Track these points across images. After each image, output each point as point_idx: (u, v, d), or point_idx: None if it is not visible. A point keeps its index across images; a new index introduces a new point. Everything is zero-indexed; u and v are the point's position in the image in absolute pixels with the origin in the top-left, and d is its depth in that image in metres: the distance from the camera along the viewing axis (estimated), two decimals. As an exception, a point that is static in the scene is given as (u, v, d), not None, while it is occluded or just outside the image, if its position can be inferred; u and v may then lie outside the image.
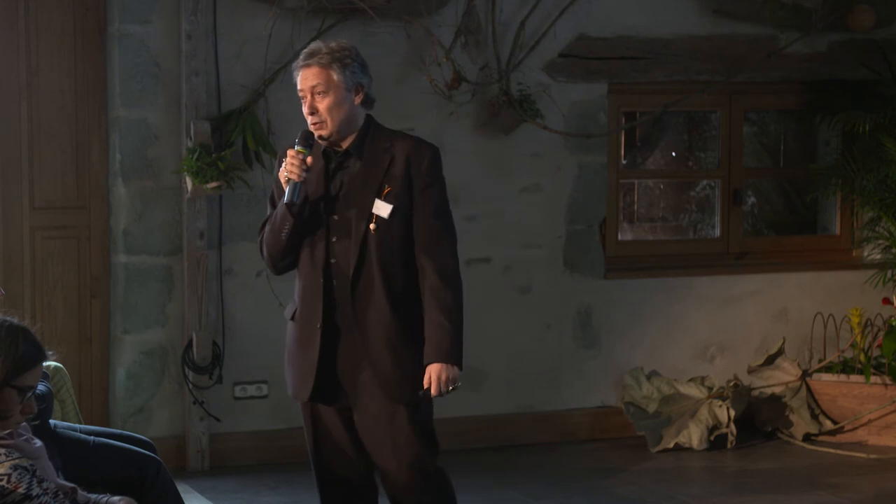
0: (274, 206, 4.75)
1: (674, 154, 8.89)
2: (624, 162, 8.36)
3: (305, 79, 4.60)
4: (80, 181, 7.17)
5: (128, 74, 7.05)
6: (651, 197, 8.94)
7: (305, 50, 4.67)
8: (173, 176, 7.10)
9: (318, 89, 4.57)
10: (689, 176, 8.89)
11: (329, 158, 4.67)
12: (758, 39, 8.03)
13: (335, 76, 4.56)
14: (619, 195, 8.16)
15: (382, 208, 4.57)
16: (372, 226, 4.57)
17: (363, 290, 4.60)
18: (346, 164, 4.65)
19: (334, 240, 4.63)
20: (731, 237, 8.32)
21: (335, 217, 4.62)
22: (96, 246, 7.22)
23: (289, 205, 4.59)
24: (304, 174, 4.57)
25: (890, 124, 7.91)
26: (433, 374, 4.56)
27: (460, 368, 4.61)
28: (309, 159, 4.59)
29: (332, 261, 4.64)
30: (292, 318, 4.79)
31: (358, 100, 4.60)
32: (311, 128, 4.62)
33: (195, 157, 6.89)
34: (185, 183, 7.02)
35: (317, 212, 4.64)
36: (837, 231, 8.55)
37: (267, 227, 4.74)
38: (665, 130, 8.79)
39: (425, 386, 4.57)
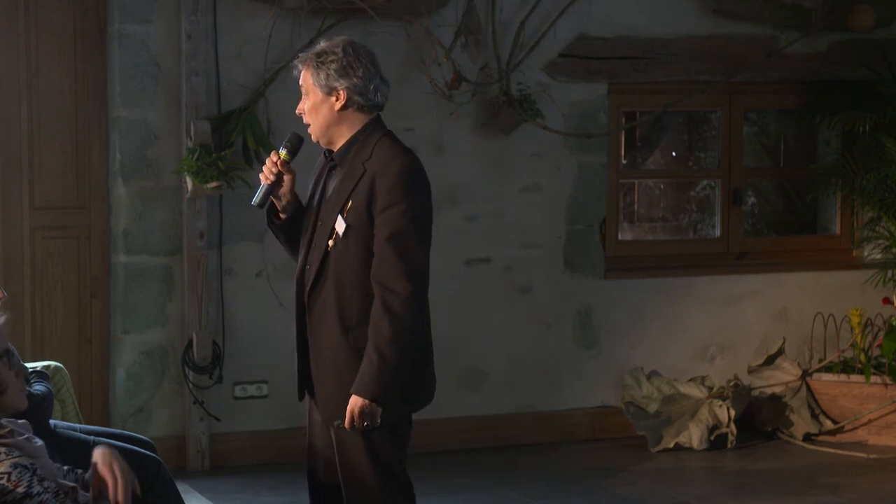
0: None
1: (674, 154, 8.89)
2: (624, 162, 8.36)
3: (299, 79, 4.54)
4: (80, 181, 7.17)
5: (128, 74, 7.05)
6: (651, 197, 8.95)
7: None
8: (173, 176, 7.10)
9: (303, 91, 4.50)
10: (689, 176, 8.89)
11: (327, 161, 4.57)
12: (758, 39, 8.03)
13: (310, 79, 4.44)
14: (619, 195, 8.16)
15: (340, 225, 4.39)
16: (330, 242, 4.42)
17: (318, 305, 4.47)
18: (335, 171, 4.51)
19: (312, 245, 4.51)
20: (731, 237, 8.32)
21: (319, 223, 4.50)
22: (96, 246, 7.22)
23: (253, 204, 4.55)
24: (271, 177, 4.48)
25: (890, 124, 7.91)
26: (349, 405, 4.33)
27: (381, 404, 4.30)
28: (280, 163, 4.48)
29: (307, 267, 4.53)
30: None
31: (338, 104, 4.40)
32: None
33: (195, 157, 6.89)
34: (185, 183, 7.02)
35: (309, 215, 4.55)
36: (837, 231, 8.55)
37: None
38: (665, 130, 8.79)
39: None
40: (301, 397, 4.71)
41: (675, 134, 8.84)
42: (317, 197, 4.54)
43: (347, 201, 4.38)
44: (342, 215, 4.38)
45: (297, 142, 4.56)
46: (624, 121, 8.16)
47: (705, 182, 8.74)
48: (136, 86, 7.06)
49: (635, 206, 8.90)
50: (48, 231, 7.14)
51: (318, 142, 4.52)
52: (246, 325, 7.27)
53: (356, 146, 4.44)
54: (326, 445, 4.62)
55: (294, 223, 4.59)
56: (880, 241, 8.14)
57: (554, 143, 7.68)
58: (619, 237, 8.13)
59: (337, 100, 4.41)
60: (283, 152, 4.53)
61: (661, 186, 8.92)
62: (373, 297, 4.35)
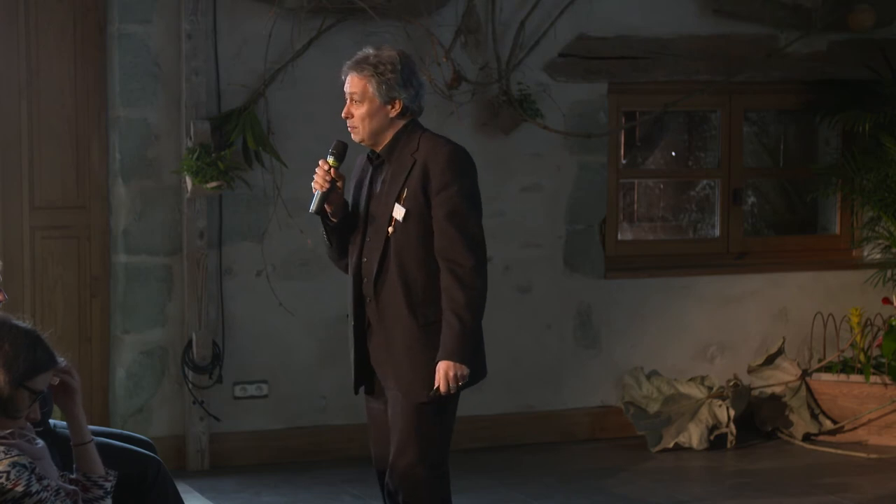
0: None
1: (674, 154, 8.89)
2: (624, 162, 8.36)
3: (347, 84, 4.79)
4: (80, 181, 7.17)
5: (128, 74, 7.05)
6: (651, 197, 8.94)
7: (358, 54, 4.80)
8: (173, 176, 7.10)
9: (355, 98, 4.75)
10: (689, 176, 8.89)
11: (372, 162, 4.87)
12: (758, 39, 8.03)
13: (371, 89, 4.73)
14: (619, 195, 8.16)
15: (398, 212, 4.71)
16: (390, 229, 4.72)
17: (384, 291, 4.76)
18: (381, 168, 4.82)
19: (368, 239, 4.81)
20: (731, 237, 8.32)
21: (371, 218, 4.80)
22: (96, 246, 7.22)
23: (312, 212, 4.82)
24: (326, 184, 4.76)
25: (890, 124, 7.91)
26: (440, 371, 4.68)
27: (468, 366, 4.68)
28: (333, 171, 4.76)
29: (364, 259, 4.82)
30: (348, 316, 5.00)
31: (394, 112, 4.77)
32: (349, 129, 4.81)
33: (195, 156, 6.90)
34: (185, 183, 7.02)
35: (359, 212, 4.84)
36: (837, 231, 8.55)
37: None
38: (665, 130, 8.78)
39: (435, 386, 4.69)
40: (357, 391, 4.97)
41: (675, 134, 8.84)
42: (364, 195, 4.85)
43: (403, 190, 4.72)
44: (399, 203, 4.71)
45: (343, 148, 4.86)
46: (624, 121, 8.16)
47: (705, 182, 8.74)
48: (136, 85, 7.06)
49: (635, 206, 8.89)
50: (48, 231, 7.14)
51: (362, 143, 4.82)
52: (246, 325, 7.27)
53: (402, 142, 4.79)
54: (377, 423, 4.92)
55: (345, 224, 4.87)
56: (880, 241, 8.14)
57: (554, 142, 7.68)
58: (619, 237, 8.13)
59: (393, 108, 4.77)
60: (331, 160, 4.81)
61: (661, 186, 8.92)
62: (434, 273, 4.70)
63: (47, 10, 7.05)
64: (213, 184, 6.90)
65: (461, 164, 4.77)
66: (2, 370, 3.80)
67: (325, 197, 4.79)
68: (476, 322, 4.70)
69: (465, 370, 4.68)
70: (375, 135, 4.78)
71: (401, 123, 4.81)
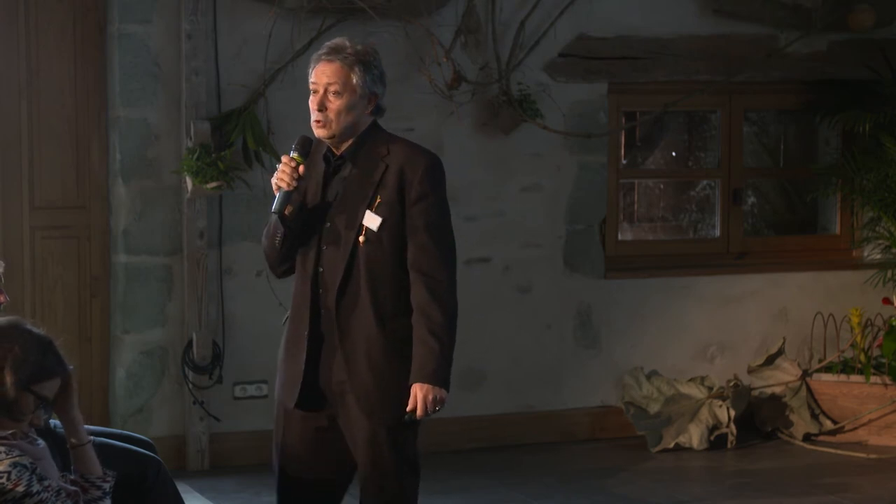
0: None
1: (674, 154, 8.89)
2: (624, 162, 8.36)
3: (323, 73, 4.45)
4: (80, 181, 7.17)
5: (128, 74, 7.05)
6: (651, 197, 8.95)
7: (329, 43, 4.51)
8: (173, 176, 7.10)
9: (333, 88, 4.44)
10: (689, 176, 8.89)
11: (329, 163, 4.57)
12: (758, 39, 8.03)
13: (355, 79, 4.43)
14: (619, 195, 8.16)
15: (372, 220, 4.45)
16: (361, 238, 4.46)
17: (349, 303, 4.48)
18: (342, 170, 4.54)
19: (324, 248, 4.52)
20: (731, 237, 8.32)
21: (328, 224, 4.52)
22: (96, 246, 7.22)
23: (275, 213, 4.51)
24: (293, 183, 4.47)
25: (890, 124, 7.91)
26: (418, 394, 4.41)
27: (447, 389, 4.43)
28: (301, 168, 4.49)
29: (320, 269, 4.52)
30: (284, 323, 4.72)
31: (369, 109, 4.49)
32: (314, 124, 4.50)
33: (195, 156, 6.90)
34: (185, 183, 7.02)
35: (312, 217, 4.55)
36: (837, 231, 8.55)
37: (264, 232, 4.67)
38: (665, 130, 8.79)
39: (409, 408, 4.44)
40: (300, 403, 4.61)
41: (675, 134, 8.84)
42: (316, 198, 4.55)
43: (375, 197, 4.46)
44: (371, 210, 4.45)
45: (309, 144, 4.57)
46: (624, 121, 8.16)
47: (705, 182, 8.74)
48: (136, 85, 7.06)
49: (635, 206, 8.90)
50: (48, 231, 7.14)
51: (328, 140, 4.51)
52: (246, 325, 7.27)
53: (367, 145, 4.51)
54: (306, 441, 4.63)
55: (304, 227, 4.57)
56: (880, 241, 8.14)
57: (554, 142, 7.68)
58: (619, 237, 8.13)
59: (369, 103, 4.49)
60: (296, 155, 4.52)
61: (661, 186, 8.93)
62: (405, 286, 4.45)
63: (47, 10, 7.05)
64: (213, 184, 6.90)
65: (439, 175, 4.52)
66: (9, 372, 3.80)
67: (289, 196, 4.46)
68: (453, 343, 4.45)
69: (444, 394, 4.41)
70: (346, 131, 4.46)
71: (367, 123, 4.50)
